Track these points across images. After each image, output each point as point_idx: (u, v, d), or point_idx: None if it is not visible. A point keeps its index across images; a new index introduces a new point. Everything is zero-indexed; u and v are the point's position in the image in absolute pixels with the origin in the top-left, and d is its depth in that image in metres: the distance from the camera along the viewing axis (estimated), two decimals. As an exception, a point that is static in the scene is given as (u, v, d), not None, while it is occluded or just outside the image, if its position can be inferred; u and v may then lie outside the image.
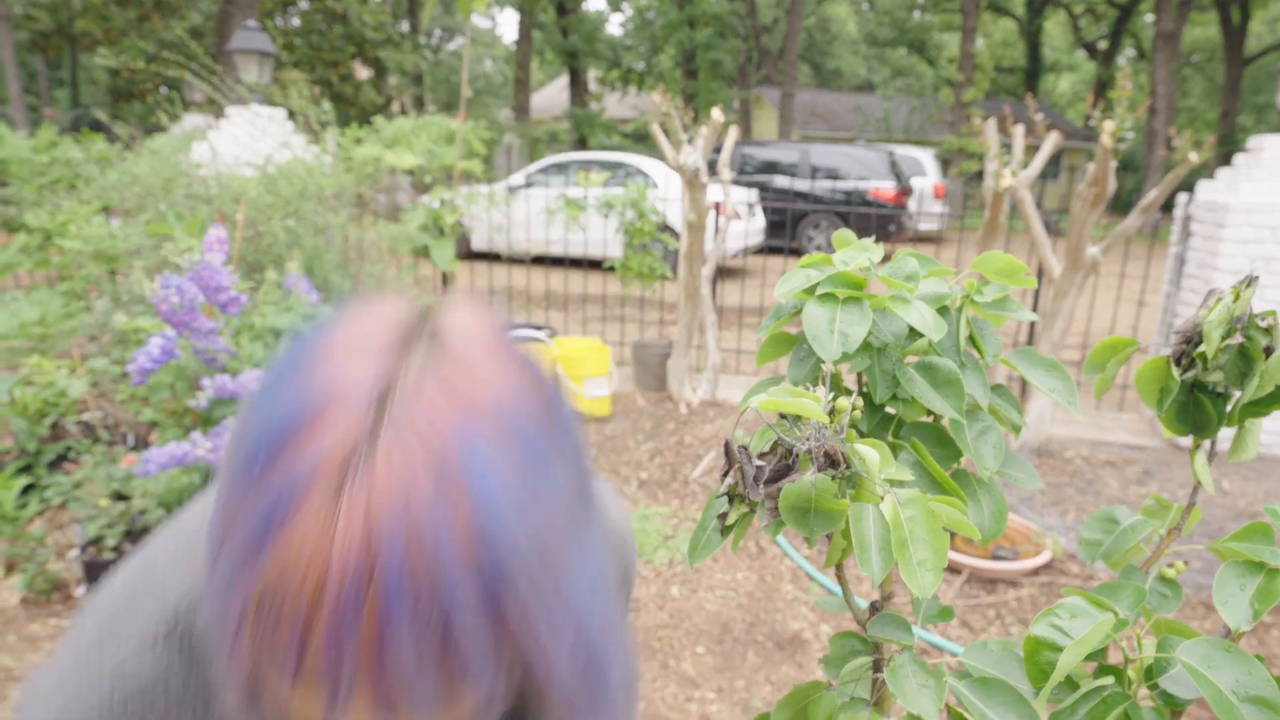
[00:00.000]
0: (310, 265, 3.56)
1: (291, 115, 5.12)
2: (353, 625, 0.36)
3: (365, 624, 0.36)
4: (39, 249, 3.76)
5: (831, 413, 0.69)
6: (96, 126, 11.18)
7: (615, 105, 25.89)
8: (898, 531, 0.60)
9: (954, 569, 3.09)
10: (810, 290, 0.81)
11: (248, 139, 4.46)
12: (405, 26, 20.93)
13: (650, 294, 7.90)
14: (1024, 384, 4.74)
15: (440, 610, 0.36)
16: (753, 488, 0.65)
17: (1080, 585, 3.04)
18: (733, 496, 0.67)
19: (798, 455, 0.65)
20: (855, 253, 0.84)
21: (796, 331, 0.86)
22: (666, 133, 4.36)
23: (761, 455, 0.68)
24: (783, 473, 0.65)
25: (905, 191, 12.19)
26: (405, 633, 0.36)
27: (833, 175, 12.22)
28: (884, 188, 11.93)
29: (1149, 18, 24.32)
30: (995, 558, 3.12)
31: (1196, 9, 22.45)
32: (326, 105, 4.60)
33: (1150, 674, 0.72)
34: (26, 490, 2.94)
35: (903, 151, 14.43)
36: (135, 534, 2.65)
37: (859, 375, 0.83)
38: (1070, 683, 0.72)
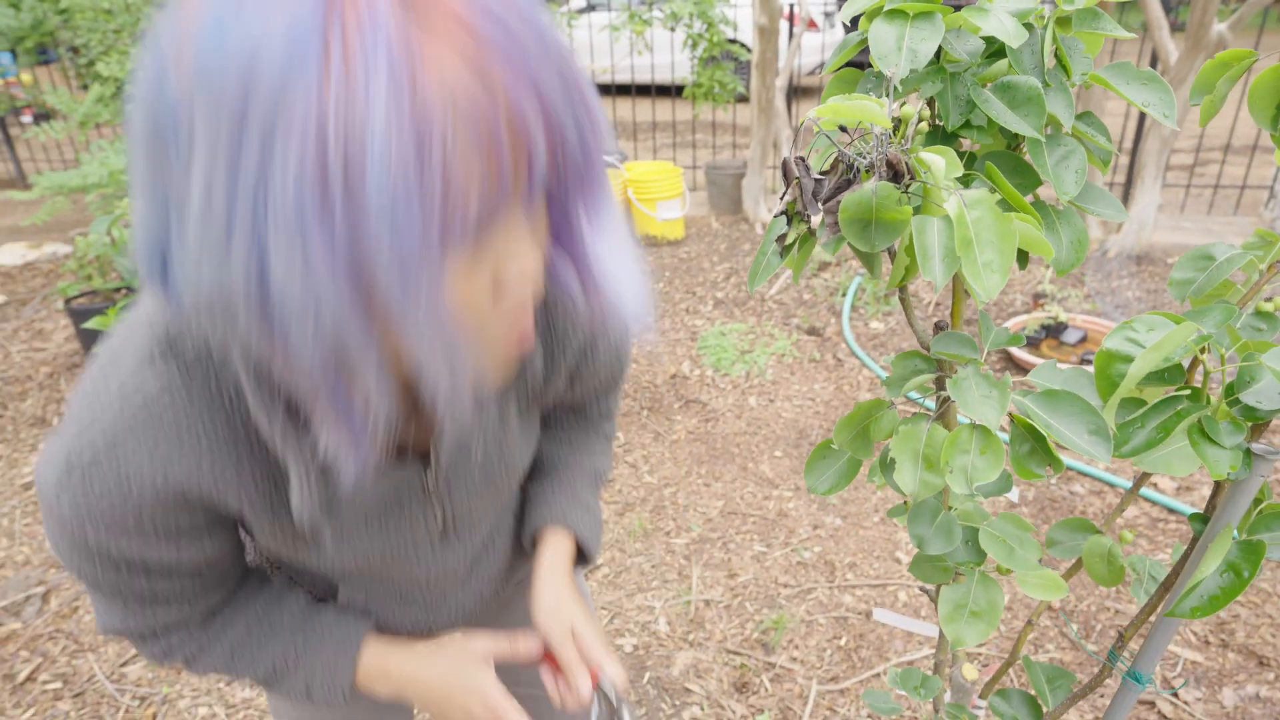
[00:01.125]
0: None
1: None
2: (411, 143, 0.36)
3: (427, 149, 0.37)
4: (112, 98, 3.83)
5: (897, 128, 0.65)
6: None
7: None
8: (962, 230, 0.58)
9: (1038, 374, 3.04)
10: (879, 9, 0.75)
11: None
12: None
13: (723, 116, 7.58)
14: (1126, 188, 4.42)
15: (486, 110, 0.38)
16: (811, 203, 0.63)
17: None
18: (791, 216, 0.65)
19: (859, 170, 0.63)
20: (929, -35, 0.77)
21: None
22: (734, -74, 4.00)
23: (822, 174, 0.66)
24: (843, 188, 0.63)
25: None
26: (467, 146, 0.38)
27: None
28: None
29: None
30: (1083, 363, 3.05)
31: None
32: None
33: (1231, 390, 0.70)
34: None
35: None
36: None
37: (930, 102, 0.78)
38: (1143, 403, 0.70)
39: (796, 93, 5.96)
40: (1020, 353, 3.07)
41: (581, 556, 0.89)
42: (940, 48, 0.76)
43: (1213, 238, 4.29)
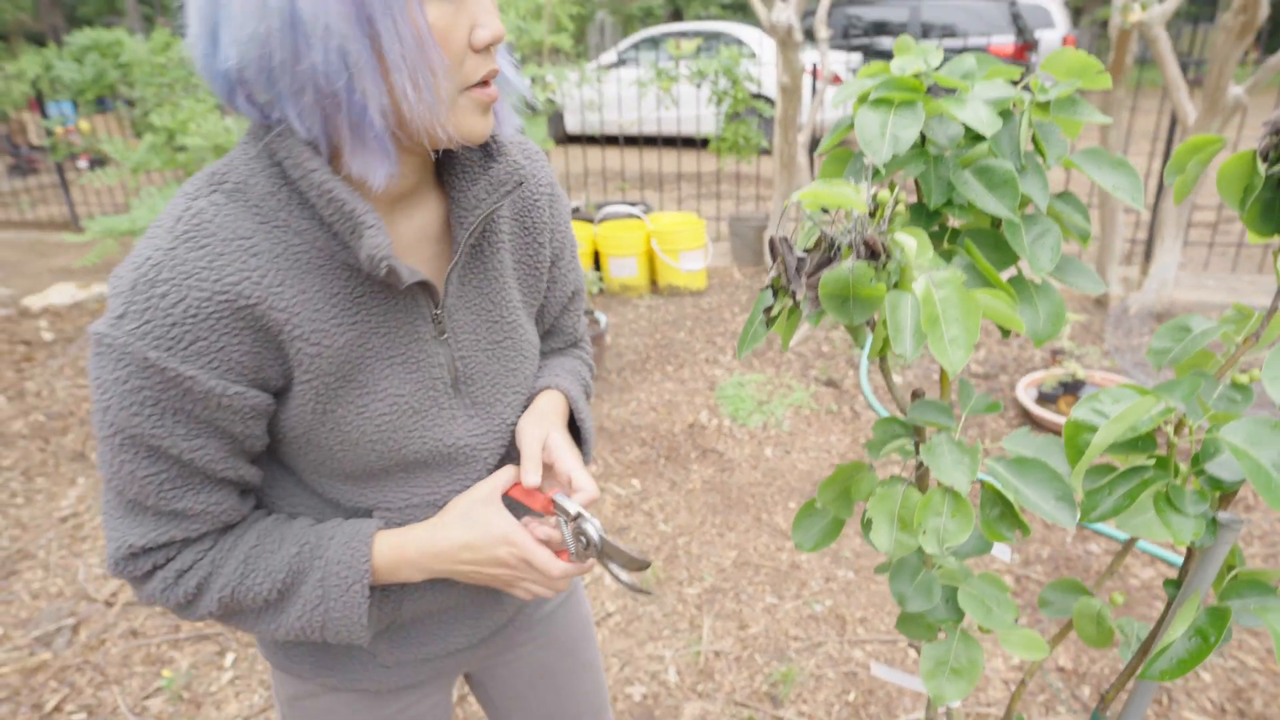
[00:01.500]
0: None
1: None
2: None
3: None
4: (164, 146, 4.02)
5: (875, 210, 0.70)
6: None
7: (711, -27, 24.44)
8: (929, 309, 0.62)
9: (1056, 431, 3.04)
10: (865, 97, 0.81)
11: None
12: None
13: (746, 168, 7.71)
14: (1148, 246, 4.43)
15: None
16: (795, 278, 0.68)
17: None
18: (777, 289, 0.71)
19: (839, 247, 0.68)
20: (913, 58, 0.83)
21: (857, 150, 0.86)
22: (758, -10, 4.15)
23: (806, 251, 0.71)
24: (825, 264, 0.68)
25: (1027, 46, 11.17)
26: None
27: (947, 33, 11.30)
28: (1002, 43, 10.97)
29: None
30: (1101, 419, 3.04)
31: None
32: None
33: (1197, 460, 0.73)
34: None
35: (1027, 1, 13.13)
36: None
37: (915, 182, 0.83)
38: (1112, 470, 0.74)
39: (819, 142, 6.07)
40: (1038, 409, 3.07)
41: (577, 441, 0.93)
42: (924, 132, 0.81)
43: (1236, 296, 4.27)
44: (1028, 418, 3.12)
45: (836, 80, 4.87)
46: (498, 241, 0.82)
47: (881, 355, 0.74)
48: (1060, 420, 3.00)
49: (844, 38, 11.39)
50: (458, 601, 0.88)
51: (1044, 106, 0.83)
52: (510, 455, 0.86)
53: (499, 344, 0.82)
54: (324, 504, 0.79)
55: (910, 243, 0.65)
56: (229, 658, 2.13)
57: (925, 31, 11.32)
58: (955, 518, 0.67)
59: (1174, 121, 4.17)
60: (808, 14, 8.13)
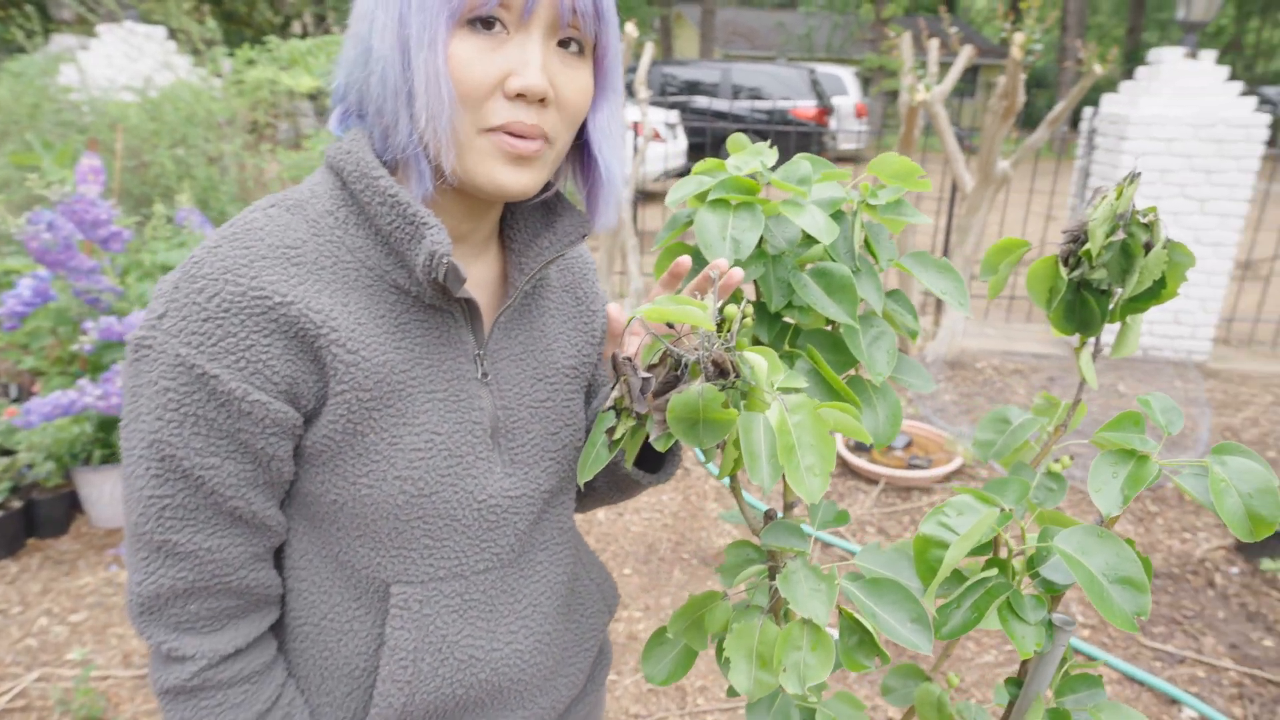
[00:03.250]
0: (204, 198, 3.34)
1: (173, 34, 4.73)
2: None
3: None
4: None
5: (721, 322, 0.67)
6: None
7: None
8: (784, 438, 0.59)
9: (871, 479, 3.21)
10: (702, 197, 0.78)
11: (123, 60, 4.11)
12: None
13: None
14: (939, 300, 4.87)
15: None
16: (639, 400, 0.63)
17: (987, 487, 3.19)
18: (620, 410, 0.65)
19: (686, 365, 0.63)
20: (748, 157, 0.81)
21: (693, 243, 0.83)
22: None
23: (650, 367, 0.66)
24: (671, 384, 0.63)
25: (826, 110, 12.18)
26: None
27: (755, 95, 12.09)
28: (805, 107, 11.89)
29: (1061, -69, 24.50)
30: (910, 466, 3.25)
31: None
32: (213, 23, 4.26)
33: (1032, 563, 0.74)
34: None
35: (824, 70, 14.36)
36: (23, 489, 2.51)
37: (755, 283, 0.81)
38: (959, 577, 0.74)
39: (643, 197, 6.22)
40: (854, 458, 3.23)
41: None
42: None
43: (1011, 343, 4.78)
44: (845, 467, 3.28)
45: (657, 136, 5.01)
46: (546, 304, 0.82)
47: (731, 475, 0.70)
48: (875, 470, 3.17)
49: (660, 94, 11.89)
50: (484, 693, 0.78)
51: (872, 208, 0.84)
52: (542, 521, 0.81)
53: (543, 403, 0.79)
54: (340, 576, 0.73)
55: (760, 363, 0.62)
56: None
57: (735, 93, 12.05)
58: (816, 652, 0.63)
59: (954, 188, 4.64)
60: (628, 71, 8.39)
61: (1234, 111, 4.25)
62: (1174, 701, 2.14)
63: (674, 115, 8.73)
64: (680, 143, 9.49)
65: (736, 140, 0.85)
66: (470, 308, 0.72)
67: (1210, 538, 2.89)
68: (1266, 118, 4.21)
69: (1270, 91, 21.46)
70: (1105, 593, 0.65)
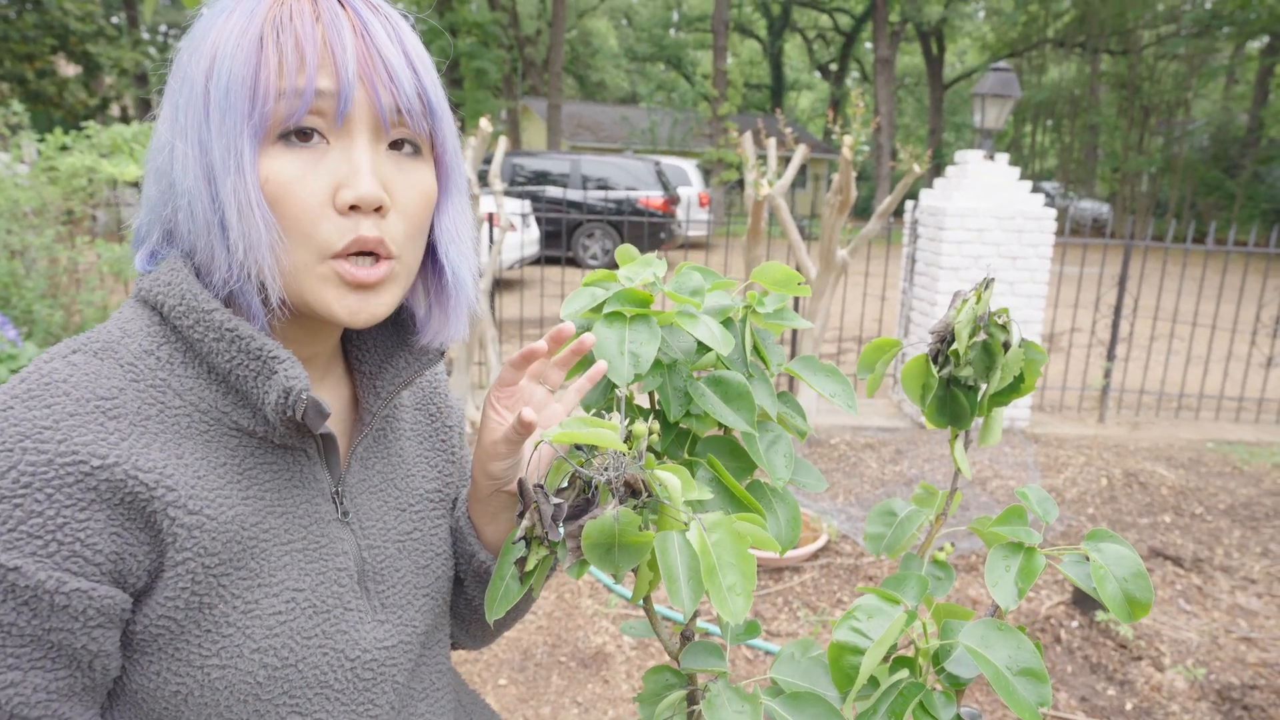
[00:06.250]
0: (6, 294, 3.01)
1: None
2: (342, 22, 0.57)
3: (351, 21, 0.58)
4: None
5: (628, 438, 0.65)
6: None
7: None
8: (706, 559, 0.58)
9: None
10: (597, 309, 0.78)
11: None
12: (123, 19, 18.61)
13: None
14: (791, 380, 5.10)
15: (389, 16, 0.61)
16: (552, 528, 0.60)
17: (853, 564, 3.30)
18: (530, 539, 0.61)
19: (597, 487, 0.61)
20: (639, 268, 0.82)
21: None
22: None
23: (559, 491, 0.64)
24: (582, 507, 0.61)
25: (673, 200, 12.76)
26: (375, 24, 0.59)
27: (603, 185, 12.51)
28: (653, 196, 12.40)
29: (869, 45, 27.52)
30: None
31: (904, 39, 25.78)
32: (18, 105, 3.95)
33: (937, 659, 0.76)
34: None
35: (668, 162, 15.11)
36: None
37: (651, 394, 0.81)
38: (873, 681, 0.74)
39: (499, 285, 6.19)
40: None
41: None
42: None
43: (860, 418, 5.06)
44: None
45: (511, 228, 5.05)
46: (401, 427, 0.77)
47: (645, 597, 0.68)
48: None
49: (512, 184, 12.06)
50: None
51: (759, 315, 0.86)
52: (420, 668, 0.73)
53: (409, 535, 0.73)
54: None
55: (674, 482, 0.61)
56: None
57: (585, 183, 12.42)
58: (746, 782, 0.60)
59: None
60: (484, 163, 8.47)
61: (1028, 205, 4.82)
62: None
63: (526, 205, 8.86)
64: (533, 231, 9.62)
65: (625, 251, 0.86)
66: (327, 442, 0.65)
67: (1051, 595, 3.11)
68: (1053, 211, 4.80)
69: (1047, 186, 24.66)
70: (1010, 685, 0.67)
